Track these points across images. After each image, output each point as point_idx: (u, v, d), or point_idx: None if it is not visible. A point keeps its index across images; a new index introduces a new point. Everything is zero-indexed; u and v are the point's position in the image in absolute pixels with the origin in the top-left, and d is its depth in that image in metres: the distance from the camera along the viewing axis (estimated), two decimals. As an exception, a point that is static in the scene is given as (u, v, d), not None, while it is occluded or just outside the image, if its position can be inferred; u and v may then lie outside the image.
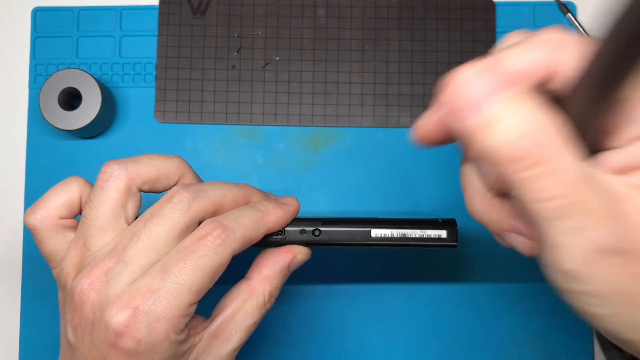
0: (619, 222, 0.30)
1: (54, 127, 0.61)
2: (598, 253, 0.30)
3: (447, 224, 0.47)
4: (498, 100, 0.30)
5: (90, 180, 0.47)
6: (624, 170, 0.32)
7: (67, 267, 0.44)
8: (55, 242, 0.46)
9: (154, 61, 0.66)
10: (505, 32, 0.65)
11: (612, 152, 0.32)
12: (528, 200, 0.31)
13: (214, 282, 0.43)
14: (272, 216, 0.46)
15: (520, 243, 0.37)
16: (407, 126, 0.63)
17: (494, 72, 0.31)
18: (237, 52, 0.65)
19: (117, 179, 0.45)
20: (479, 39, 0.64)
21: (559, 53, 0.31)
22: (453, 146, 0.61)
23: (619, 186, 0.31)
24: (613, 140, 0.32)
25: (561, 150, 0.30)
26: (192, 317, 0.43)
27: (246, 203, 0.48)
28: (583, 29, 0.64)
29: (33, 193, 0.64)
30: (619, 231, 0.30)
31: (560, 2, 0.64)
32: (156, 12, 0.66)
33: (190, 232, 0.44)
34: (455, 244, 0.47)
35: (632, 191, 0.31)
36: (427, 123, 0.36)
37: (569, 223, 0.30)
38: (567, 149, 0.30)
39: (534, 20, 0.65)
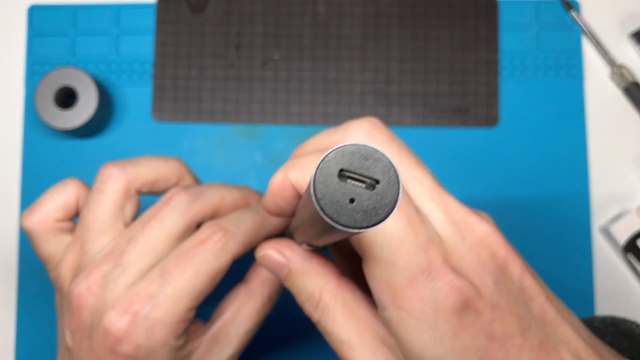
0: None
1: (50, 125, 0.60)
2: None
3: None
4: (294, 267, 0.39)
5: (88, 180, 0.47)
6: None
7: (64, 271, 0.44)
8: (52, 245, 0.45)
9: (152, 59, 0.65)
10: (508, 30, 0.64)
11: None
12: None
13: (214, 286, 0.43)
14: (273, 220, 0.46)
15: None
16: (408, 125, 0.63)
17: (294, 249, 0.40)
18: (236, 50, 0.64)
19: (115, 181, 0.44)
20: (481, 37, 0.63)
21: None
22: (451, 149, 0.61)
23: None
24: None
25: (335, 310, 0.37)
26: (191, 322, 0.43)
27: (245, 206, 0.47)
28: (586, 27, 0.63)
29: (29, 194, 0.63)
30: None
31: (563, -1, 0.64)
32: (154, 10, 0.65)
33: (189, 235, 0.44)
34: None
35: (398, 354, 0.36)
36: None
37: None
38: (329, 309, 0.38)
39: (537, 18, 0.64)
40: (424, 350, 0.32)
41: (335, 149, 0.25)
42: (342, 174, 0.25)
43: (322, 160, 0.25)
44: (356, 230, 0.25)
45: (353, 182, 0.25)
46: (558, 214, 0.62)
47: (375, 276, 0.33)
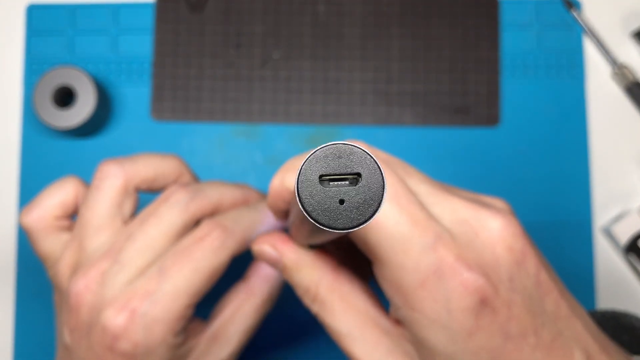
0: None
1: (48, 125, 0.60)
2: None
3: None
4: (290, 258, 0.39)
5: (86, 180, 0.47)
6: (396, 324, 0.36)
7: (62, 268, 0.43)
8: (51, 243, 0.45)
9: (151, 59, 0.64)
10: (509, 29, 0.64)
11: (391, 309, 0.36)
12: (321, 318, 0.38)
13: (213, 284, 0.42)
14: (272, 217, 0.45)
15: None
16: (409, 124, 0.62)
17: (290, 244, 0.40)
18: (236, 49, 0.64)
19: (114, 178, 0.44)
20: (482, 37, 0.63)
21: None
22: (451, 149, 0.60)
23: (392, 339, 0.36)
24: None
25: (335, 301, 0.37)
26: (190, 320, 0.43)
27: (244, 203, 0.47)
28: (588, 26, 0.63)
29: (27, 193, 0.63)
30: None
31: (563, -2, 0.64)
32: (153, 9, 0.65)
33: (188, 232, 0.43)
34: None
35: (401, 344, 0.35)
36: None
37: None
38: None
39: (538, 17, 0.64)
40: (436, 348, 0.32)
41: (308, 158, 0.25)
42: (323, 179, 0.25)
43: (299, 174, 0.25)
44: (356, 228, 0.25)
45: (336, 183, 0.25)
46: (559, 213, 0.61)
47: (385, 278, 0.33)
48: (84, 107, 0.60)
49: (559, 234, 0.61)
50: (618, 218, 0.60)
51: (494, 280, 0.32)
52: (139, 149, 0.63)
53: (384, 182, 0.25)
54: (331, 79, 0.63)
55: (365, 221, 0.25)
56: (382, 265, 0.33)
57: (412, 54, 0.63)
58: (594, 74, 0.63)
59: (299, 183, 0.25)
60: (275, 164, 0.63)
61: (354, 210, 0.25)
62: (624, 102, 0.63)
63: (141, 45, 0.65)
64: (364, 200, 0.25)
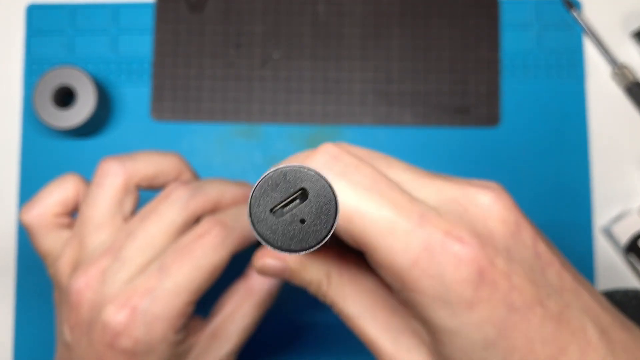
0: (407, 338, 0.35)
1: (48, 125, 0.60)
2: None
3: None
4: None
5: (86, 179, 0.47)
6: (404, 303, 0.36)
7: (62, 266, 0.43)
8: (51, 240, 0.45)
9: (151, 59, 0.64)
10: (509, 29, 0.64)
11: None
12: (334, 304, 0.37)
13: (214, 281, 0.42)
14: None
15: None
16: (409, 124, 0.62)
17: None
18: (236, 49, 0.64)
19: (114, 176, 0.44)
20: (482, 36, 0.63)
21: None
22: (451, 149, 0.60)
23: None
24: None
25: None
26: (191, 317, 0.43)
27: (244, 201, 0.47)
28: (588, 26, 0.63)
29: (27, 194, 0.63)
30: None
31: (563, -1, 0.64)
32: (153, 9, 0.65)
33: (188, 230, 0.43)
34: None
35: (410, 323, 0.35)
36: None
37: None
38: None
39: (538, 17, 0.64)
40: (440, 325, 0.31)
41: (250, 202, 0.26)
42: (275, 210, 0.26)
43: (251, 219, 0.26)
44: (330, 233, 0.26)
45: (289, 206, 0.26)
46: (559, 213, 0.61)
47: (378, 265, 0.33)
48: (84, 107, 0.60)
49: (559, 234, 0.61)
50: (618, 218, 0.60)
51: (489, 251, 0.31)
52: (139, 149, 0.63)
53: (326, 181, 0.26)
54: (331, 79, 0.63)
55: (333, 224, 0.26)
56: (372, 253, 0.32)
57: (412, 54, 0.63)
58: (594, 74, 0.63)
59: (256, 226, 0.26)
60: (274, 163, 0.63)
61: (317, 221, 0.26)
62: (624, 102, 0.63)
63: (141, 45, 0.65)
64: (321, 207, 0.26)
